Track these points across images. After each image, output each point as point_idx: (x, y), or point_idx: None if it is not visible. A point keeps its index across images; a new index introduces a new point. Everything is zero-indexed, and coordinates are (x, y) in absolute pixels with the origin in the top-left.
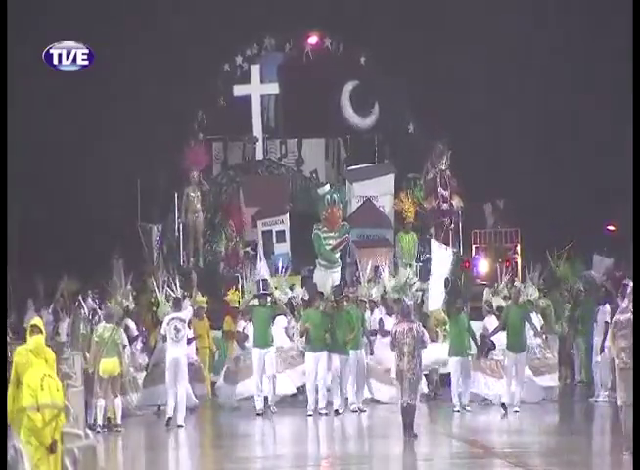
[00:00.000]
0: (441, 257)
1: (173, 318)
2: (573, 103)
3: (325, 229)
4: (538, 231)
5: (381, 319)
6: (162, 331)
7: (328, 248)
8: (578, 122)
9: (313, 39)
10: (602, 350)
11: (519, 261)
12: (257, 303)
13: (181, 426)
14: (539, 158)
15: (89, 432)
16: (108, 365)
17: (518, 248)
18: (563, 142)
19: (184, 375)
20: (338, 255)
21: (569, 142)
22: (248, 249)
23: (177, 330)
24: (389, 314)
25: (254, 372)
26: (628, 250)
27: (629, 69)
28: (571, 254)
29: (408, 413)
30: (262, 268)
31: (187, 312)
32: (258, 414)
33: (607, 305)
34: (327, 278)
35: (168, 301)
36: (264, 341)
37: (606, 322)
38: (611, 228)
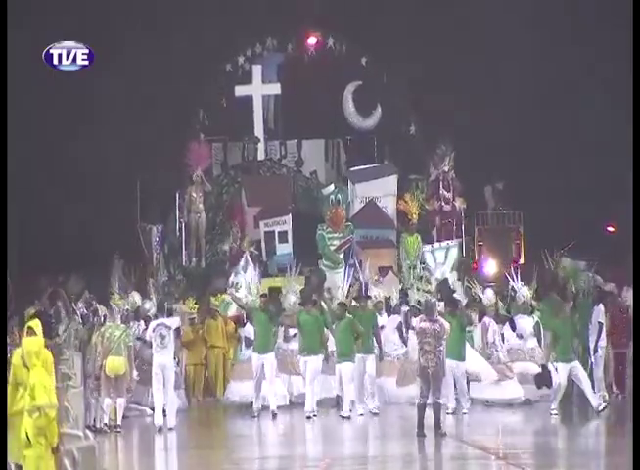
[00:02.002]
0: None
1: (159, 325)
2: (574, 103)
3: (329, 230)
4: (538, 231)
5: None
6: (147, 337)
7: (332, 248)
8: (578, 122)
9: (315, 39)
10: (595, 350)
11: (522, 244)
12: (258, 307)
13: (171, 429)
14: (539, 157)
15: (89, 433)
16: (115, 363)
17: (521, 229)
18: (563, 143)
19: (171, 380)
20: (341, 255)
21: (568, 142)
22: (252, 249)
23: (162, 337)
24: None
25: (253, 376)
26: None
27: (629, 68)
28: (571, 254)
29: (424, 411)
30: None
31: (174, 320)
32: (254, 416)
33: (601, 306)
34: (330, 279)
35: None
36: (264, 346)
37: (599, 322)
38: (610, 229)
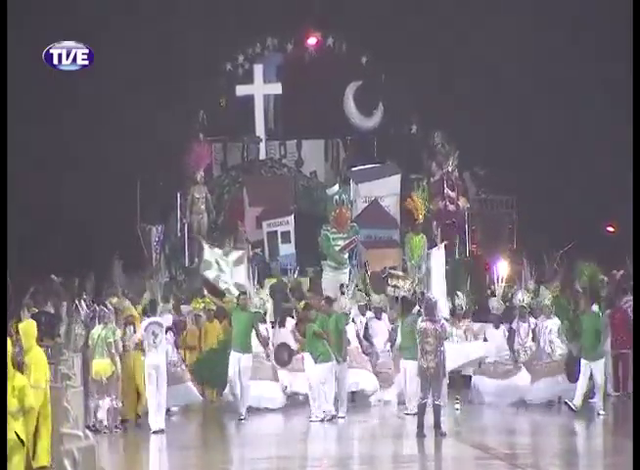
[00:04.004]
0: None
1: (150, 323)
2: (574, 103)
3: (334, 230)
4: (538, 231)
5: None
6: (140, 336)
7: (337, 249)
8: (578, 122)
9: (315, 39)
10: None
11: (515, 229)
12: (237, 306)
13: (162, 431)
14: (539, 157)
15: (89, 433)
16: (99, 366)
17: (514, 215)
18: (562, 143)
19: (163, 380)
20: (346, 256)
21: (569, 142)
22: (257, 250)
23: (155, 335)
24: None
25: (230, 377)
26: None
27: (629, 68)
28: (571, 254)
29: (424, 411)
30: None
31: (166, 318)
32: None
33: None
34: (335, 279)
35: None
36: (243, 346)
37: None
38: (610, 229)
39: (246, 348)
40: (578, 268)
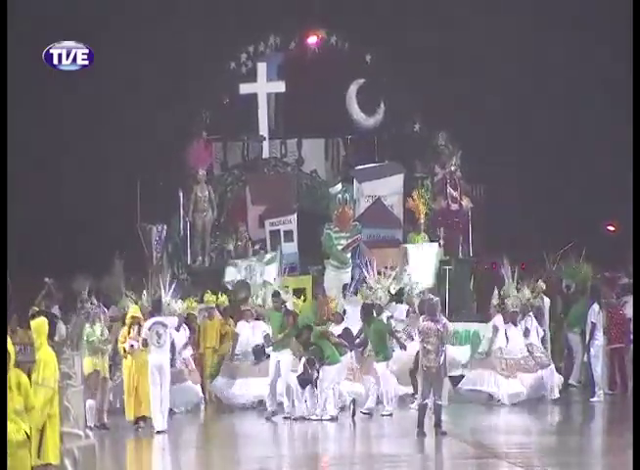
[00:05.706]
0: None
1: (155, 323)
2: (574, 103)
3: (337, 229)
4: (538, 231)
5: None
6: (143, 335)
7: (340, 248)
8: (578, 122)
9: (318, 37)
10: (588, 350)
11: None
12: (272, 306)
13: (162, 432)
14: (539, 157)
15: (89, 432)
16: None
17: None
18: (563, 142)
19: (167, 380)
20: (349, 255)
21: (569, 142)
22: (257, 247)
23: (159, 335)
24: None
25: (270, 375)
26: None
27: (630, 68)
28: (570, 254)
29: (425, 411)
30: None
31: (171, 319)
32: (267, 418)
33: (595, 305)
34: (338, 279)
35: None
36: (280, 344)
37: (592, 322)
38: (611, 228)
39: (284, 345)
40: (573, 267)
